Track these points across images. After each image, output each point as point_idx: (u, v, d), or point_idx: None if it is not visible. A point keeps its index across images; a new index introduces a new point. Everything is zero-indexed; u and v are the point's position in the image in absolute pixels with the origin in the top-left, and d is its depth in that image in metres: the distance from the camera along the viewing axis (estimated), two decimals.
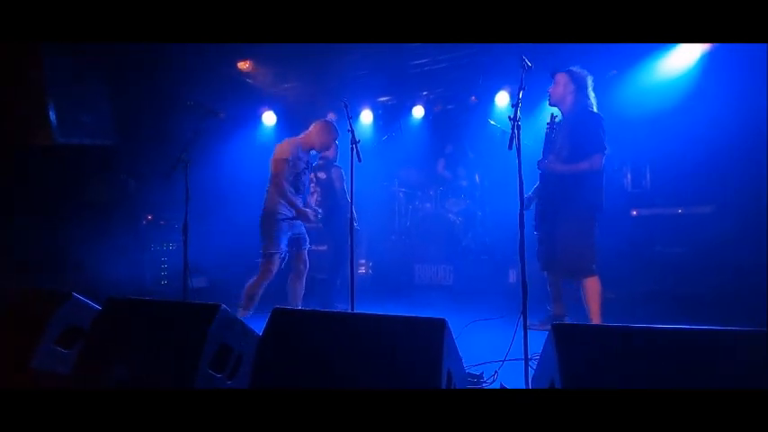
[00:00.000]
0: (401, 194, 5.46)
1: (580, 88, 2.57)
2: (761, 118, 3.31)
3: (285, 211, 3.03)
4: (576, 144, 2.48)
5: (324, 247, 4.65)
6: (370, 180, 5.67)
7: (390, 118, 6.04)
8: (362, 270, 5.01)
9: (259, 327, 1.54)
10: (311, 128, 3.21)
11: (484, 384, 1.94)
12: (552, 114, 2.66)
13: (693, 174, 3.74)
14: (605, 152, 2.49)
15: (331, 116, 4.68)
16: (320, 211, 3.36)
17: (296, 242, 3.16)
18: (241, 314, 2.94)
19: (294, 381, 1.30)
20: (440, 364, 1.17)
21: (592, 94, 2.62)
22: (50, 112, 3.04)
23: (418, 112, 5.87)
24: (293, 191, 3.04)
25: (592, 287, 2.49)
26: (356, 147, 2.50)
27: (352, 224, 2.56)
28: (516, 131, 1.85)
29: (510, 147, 1.81)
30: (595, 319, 2.48)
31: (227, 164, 5.20)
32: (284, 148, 2.99)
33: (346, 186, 4.03)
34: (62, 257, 3.67)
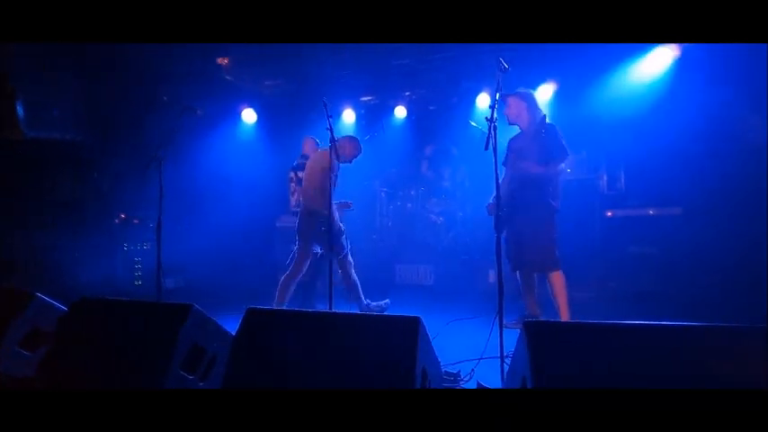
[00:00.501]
0: (383, 194, 5.46)
1: (531, 104, 2.82)
2: (728, 121, 3.46)
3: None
4: (541, 152, 2.71)
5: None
6: (351, 180, 5.66)
7: (373, 118, 6.04)
8: (341, 272, 4.98)
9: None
10: (341, 141, 3.29)
11: (461, 382, 1.96)
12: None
13: (665, 176, 3.87)
14: (568, 156, 2.76)
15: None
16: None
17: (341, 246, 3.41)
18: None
19: (267, 381, 1.28)
20: (414, 363, 1.17)
21: (540, 107, 2.87)
22: (18, 106, 2.91)
23: (401, 112, 5.88)
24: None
25: (558, 281, 2.69)
26: (335, 145, 2.49)
27: (331, 225, 2.53)
28: (493, 132, 1.87)
29: (486, 147, 1.84)
30: (563, 310, 2.64)
31: (204, 162, 5.10)
32: (325, 155, 3.06)
33: None
34: (31, 257, 3.53)
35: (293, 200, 4.24)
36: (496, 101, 1.93)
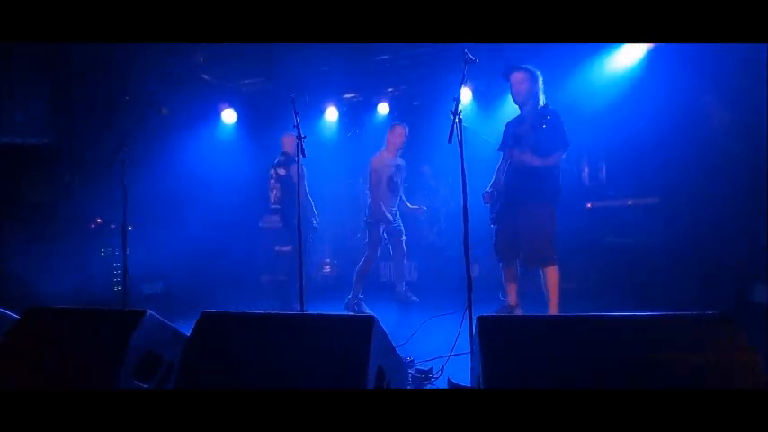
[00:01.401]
0: (366, 192, 5.41)
1: (539, 84, 2.63)
2: (700, 110, 3.47)
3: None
4: (542, 140, 2.53)
5: (288, 248, 4.56)
6: (334, 178, 5.60)
7: (356, 115, 5.98)
8: (327, 269, 4.94)
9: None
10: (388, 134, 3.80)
11: (432, 380, 1.93)
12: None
13: (643, 166, 3.89)
14: (569, 146, 2.60)
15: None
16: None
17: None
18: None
19: (218, 384, 1.23)
20: (366, 362, 1.14)
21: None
22: None
23: (383, 108, 5.83)
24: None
25: (553, 275, 2.59)
26: (301, 142, 2.44)
27: (299, 222, 2.48)
28: (458, 125, 1.84)
29: (450, 140, 1.80)
30: (554, 305, 2.56)
31: (184, 163, 5.00)
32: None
33: (307, 184, 3.95)
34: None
35: (272, 196, 4.18)
36: (460, 93, 1.89)
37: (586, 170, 4.65)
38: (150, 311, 1.51)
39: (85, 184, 3.85)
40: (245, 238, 5.26)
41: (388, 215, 3.65)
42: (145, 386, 1.47)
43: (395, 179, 3.67)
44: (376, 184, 3.64)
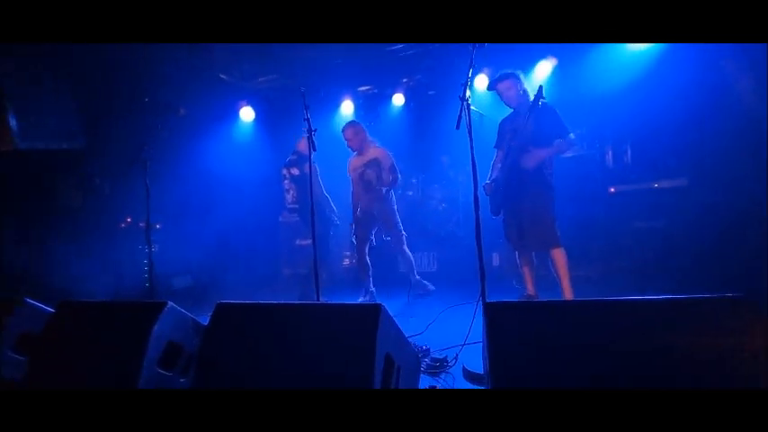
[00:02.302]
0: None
1: (521, 83, 2.82)
2: (728, 88, 3.27)
3: None
4: (543, 132, 2.66)
5: (308, 242, 4.63)
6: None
7: (371, 107, 5.98)
8: (347, 262, 4.99)
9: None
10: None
11: (447, 367, 1.94)
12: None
13: (670, 147, 3.71)
14: (569, 133, 2.73)
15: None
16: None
17: None
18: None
19: (234, 372, 1.28)
20: (373, 348, 1.15)
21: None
22: (10, 117, 2.98)
23: (398, 99, 5.80)
24: None
25: (560, 257, 2.67)
26: (312, 136, 2.47)
27: (312, 217, 2.52)
28: (467, 111, 1.81)
29: (457, 126, 1.78)
30: (566, 287, 2.63)
31: (206, 162, 5.15)
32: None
33: (321, 180, 3.98)
34: (39, 266, 3.64)
35: (289, 197, 4.25)
36: (469, 78, 1.86)
37: (610, 153, 4.49)
38: (171, 303, 1.57)
39: (114, 186, 4.02)
40: (267, 233, 5.38)
41: (358, 214, 3.74)
42: (169, 374, 1.54)
43: (365, 178, 3.64)
44: (352, 186, 3.78)
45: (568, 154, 4.46)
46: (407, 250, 3.79)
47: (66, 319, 1.70)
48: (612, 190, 3.93)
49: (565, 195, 3.93)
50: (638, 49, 3.83)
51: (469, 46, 1.93)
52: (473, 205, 1.85)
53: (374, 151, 3.68)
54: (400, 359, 1.33)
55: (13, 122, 2.98)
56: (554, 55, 4.74)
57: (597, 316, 1.03)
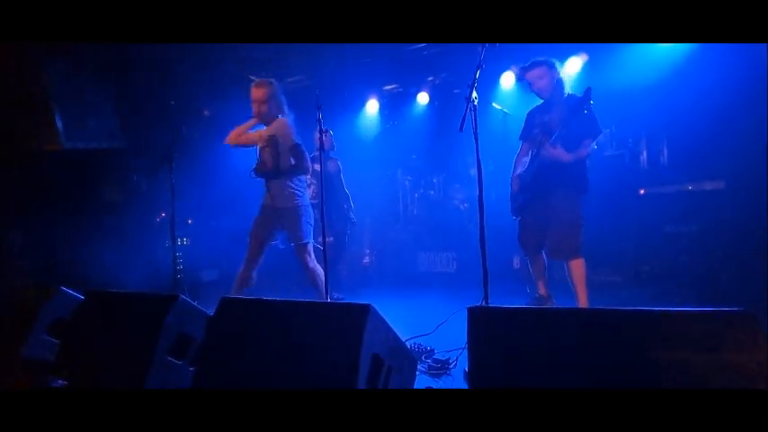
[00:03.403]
0: (406, 183, 5.44)
1: (558, 72, 2.58)
2: None
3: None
4: (573, 129, 2.46)
5: (329, 239, 4.73)
6: (374, 169, 5.68)
7: (396, 106, 6.00)
8: (366, 260, 5.05)
9: None
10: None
11: (449, 369, 1.94)
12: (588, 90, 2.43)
13: (707, 148, 3.49)
14: (600, 134, 2.55)
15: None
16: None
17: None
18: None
19: (232, 364, 1.36)
20: (359, 346, 1.18)
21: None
22: (57, 119, 3.24)
23: (423, 98, 5.79)
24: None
25: (579, 267, 2.49)
26: (321, 135, 2.52)
27: (322, 214, 2.58)
28: (473, 113, 1.80)
29: (461, 128, 1.77)
30: (583, 299, 2.47)
31: (236, 160, 5.35)
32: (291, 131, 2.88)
33: (343, 178, 4.06)
34: (80, 256, 3.93)
35: (310, 192, 4.35)
36: (476, 79, 1.84)
37: (645, 153, 4.27)
38: (182, 296, 1.68)
39: (150, 183, 4.28)
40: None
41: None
42: (179, 362, 1.65)
43: (261, 160, 2.92)
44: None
45: (608, 153, 4.30)
46: (315, 265, 2.97)
47: (92, 306, 1.85)
48: (643, 192, 3.74)
49: (591, 197, 3.79)
50: (672, 46, 3.62)
51: (479, 46, 1.91)
52: (477, 209, 1.83)
53: (275, 124, 2.81)
54: (391, 360, 1.36)
55: (59, 124, 3.24)
56: (585, 51, 4.56)
57: (579, 325, 1.01)
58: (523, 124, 2.79)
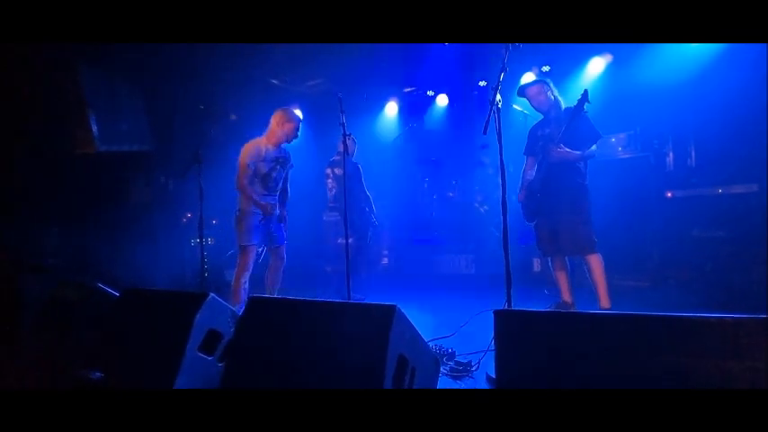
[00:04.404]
0: (425, 184, 5.45)
1: (552, 88, 2.79)
2: None
3: (254, 209, 3.00)
4: (573, 136, 2.62)
5: (343, 240, 4.78)
6: (393, 172, 5.71)
7: (415, 108, 6.02)
8: (385, 261, 5.08)
9: None
10: (271, 121, 3.10)
11: (471, 371, 1.95)
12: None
13: (738, 150, 3.37)
14: (601, 137, 2.72)
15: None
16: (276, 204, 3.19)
17: (269, 238, 3.18)
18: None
19: (260, 362, 1.40)
20: (385, 347, 1.21)
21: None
22: (92, 121, 3.40)
23: (442, 100, 5.79)
24: (261, 189, 3.03)
25: (596, 263, 2.60)
26: (345, 140, 2.57)
27: (345, 217, 2.62)
28: (497, 115, 1.80)
29: (485, 131, 1.78)
30: (603, 295, 2.55)
31: None
32: (244, 152, 2.97)
33: (364, 181, 4.10)
34: (112, 255, 4.09)
35: (331, 195, 4.41)
36: (500, 82, 1.85)
37: (671, 155, 4.16)
38: (212, 295, 1.74)
39: (177, 185, 4.42)
40: (313, 231, 5.62)
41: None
42: (209, 359, 1.71)
43: (272, 174, 3.07)
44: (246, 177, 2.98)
45: (624, 155, 4.24)
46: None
47: (127, 303, 1.94)
48: (670, 195, 3.64)
49: (617, 200, 3.72)
50: (700, 46, 3.52)
51: (502, 48, 1.92)
52: (501, 210, 1.84)
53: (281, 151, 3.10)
54: (415, 360, 1.38)
55: (94, 127, 3.40)
56: (609, 51, 4.49)
57: (603, 330, 1.01)
58: (527, 140, 2.98)
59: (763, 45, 3.01)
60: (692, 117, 3.72)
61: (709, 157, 3.68)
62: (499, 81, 1.86)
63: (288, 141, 3.12)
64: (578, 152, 2.64)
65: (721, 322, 0.93)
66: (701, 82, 3.45)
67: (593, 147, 2.68)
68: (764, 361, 0.88)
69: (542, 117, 2.87)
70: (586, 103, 2.49)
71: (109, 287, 2.22)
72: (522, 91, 2.86)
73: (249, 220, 2.99)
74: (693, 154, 4.00)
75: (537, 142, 2.85)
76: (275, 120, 3.06)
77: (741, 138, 3.24)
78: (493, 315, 1.14)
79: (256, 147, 3.01)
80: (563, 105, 2.77)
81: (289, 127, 3.04)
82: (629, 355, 1.00)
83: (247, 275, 3.03)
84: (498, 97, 1.84)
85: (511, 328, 1.09)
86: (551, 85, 2.81)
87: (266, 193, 3.06)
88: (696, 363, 0.92)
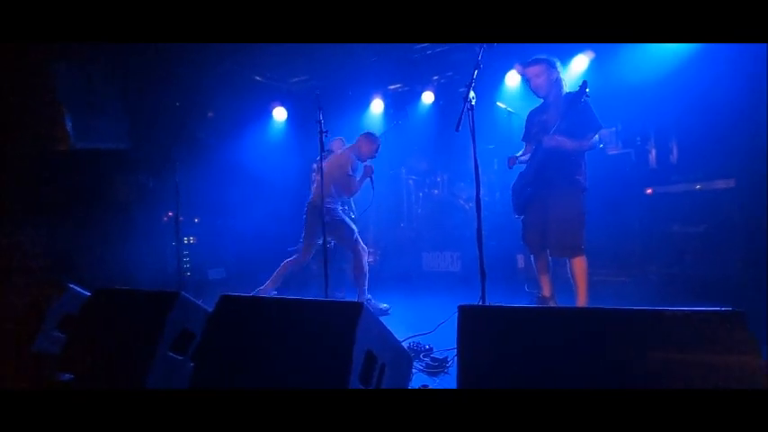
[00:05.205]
0: (410, 182, 5.45)
1: (557, 72, 2.60)
2: None
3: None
4: (572, 125, 2.46)
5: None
6: (378, 167, 5.70)
7: (401, 105, 6.01)
8: (370, 259, 5.07)
9: None
10: (359, 140, 3.53)
11: (446, 367, 1.95)
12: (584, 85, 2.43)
13: (717, 146, 3.43)
14: (601, 128, 2.53)
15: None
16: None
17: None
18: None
19: (228, 361, 1.39)
20: (351, 344, 1.20)
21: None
22: (67, 119, 3.32)
23: (428, 97, 5.78)
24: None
25: (581, 265, 2.50)
26: (321, 137, 2.55)
27: (322, 214, 2.61)
28: (470, 112, 1.80)
29: (457, 128, 1.77)
30: (581, 297, 2.47)
31: (243, 160, 5.42)
32: (347, 162, 3.37)
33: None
34: (91, 254, 4.02)
35: (314, 190, 4.38)
36: (473, 79, 1.85)
37: (653, 152, 4.22)
38: (184, 294, 1.72)
39: (157, 183, 4.36)
40: (298, 229, 5.58)
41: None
42: (180, 358, 1.68)
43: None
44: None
45: (607, 151, 4.27)
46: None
47: (99, 303, 1.90)
48: (650, 191, 3.69)
49: (597, 196, 3.75)
50: (681, 44, 3.56)
51: (476, 47, 1.91)
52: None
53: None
54: (385, 357, 1.37)
55: (69, 124, 3.32)
56: (592, 48, 4.52)
57: (568, 325, 1.02)
58: (524, 126, 2.83)
59: (738, 45, 3.05)
60: (673, 114, 3.77)
61: (690, 153, 3.74)
62: (473, 78, 1.86)
63: (364, 161, 3.55)
64: (575, 141, 2.45)
65: (696, 316, 0.94)
66: (681, 79, 3.50)
67: (595, 137, 2.50)
68: (741, 354, 0.89)
69: (541, 102, 2.69)
70: (585, 97, 2.34)
71: (85, 287, 2.18)
72: (523, 70, 2.70)
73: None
74: (675, 150, 4.07)
75: (533, 128, 2.71)
76: (365, 142, 3.50)
77: (719, 134, 3.30)
78: (458, 310, 1.13)
79: (351, 158, 3.42)
80: (564, 91, 2.58)
81: (374, 150, 3.52)
82: (594, 350, 1.00)
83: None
84: (472, 94, 1.83)
85: (476, 324, 1.09)
86: (558, 66, 2.59)
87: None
88: (672, 357, 0.93)
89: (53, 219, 3.36)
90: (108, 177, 4.13)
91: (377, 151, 3.54)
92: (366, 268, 3.35)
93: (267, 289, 3.40)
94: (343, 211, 3.57)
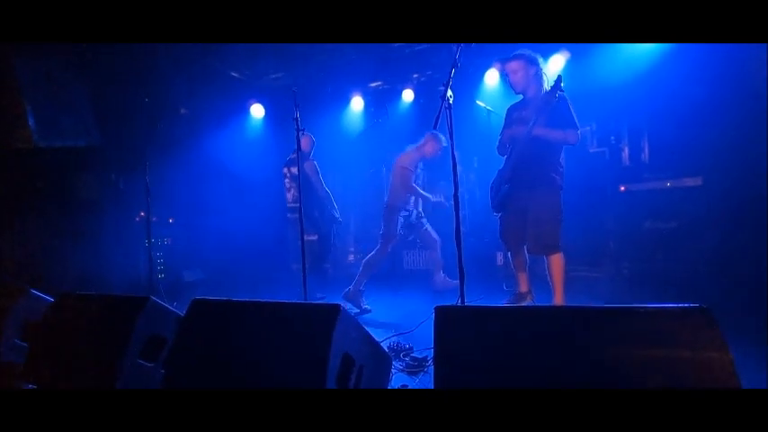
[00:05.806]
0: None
1: (539, 69, 2.59)
2: (753, 82, 3.09)
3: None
4: (549, 123, 2.47)
5: (313, 237, 4.71)
6: (358, 166, 5.67)
7: (381, 103, 5.98)
8: (351, 258, 5.04)
9: None
10: (424, 140, 3.69)
11: (426, 366, 1.95)
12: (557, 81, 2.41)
13: (686, 144, 3.55)
14: (578, 130, 2.52)
15: None
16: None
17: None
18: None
19: (201, 366, 1.34)
20: (328, 346, 1.18)
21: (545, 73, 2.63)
22: (29, 116, 3.16)
23: (408, 95, 5.78)
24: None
25: (558, 262, 2.52)
26: (298, 135, 2.51)
27: (301, 215, 2.57)
28: (448, 111, 1.80)
29: (435, 126, 1.77)
30: (558, 294, 2.50)
31: (219, 158, 5.29)
32: (408, 160, 3.60)
33: (322, 178, 4.02)
34: (58, 257, 3.84)
35: (290, 196, 4.32)
36: (451, 78, 1.84)
37: (626, 150, 4.34)
38: (153, 298, 1.65)
39: (128, 182, 4.20)
40: (276, 229, 5.50)
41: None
42: (150, 365, 1.62)
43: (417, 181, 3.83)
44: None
45: (590, 150, 4.35)
46: None
47: (63, 309, 1.81)
48: (623, 189, 3.79)
49: (573, 193, 3.83)
50: (654, 44, 3.67)
51: (454, 46, 1.91)
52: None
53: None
54: (363, 359, 1.35)
55: (31, 122, 3.15)
56: (567, 48, 4.61)
57: (542, 323, 1.02)
58: (503, 120, 2.82)
59: (702, 48, 3.16)
60: (646, 113, 3.88)
61: (661, 151, 3.86)
62: (450, 77, 1.85)
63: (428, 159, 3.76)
64: (556, 131, 2.43)
65: (664, 312, 0.96)
66: (653, 79, 3.60)
67: (576, 134, 2.46)
68: (708, 351, 0.91)
69: (521, 98, 2.68)
70: (559, 92, 2.34)
71: (53, 291, 2.07)
72: (502, 65, 2.68)
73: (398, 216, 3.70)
74: (647, 149, 4.19)
75: (512, 124, 2.68)
76: (431, 140, 3.67)
77: (689, 133, 3.41)
78: (434, 311, 1.13)
79: (415, 157, 3.67)
80: (544, 89, 2.55)
81: (438, 147, 3.67)
82: (563, 348, 1.01)
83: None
84: (450, 93, 1.83)
85: (452, 324, 1.08)
86: (540, 63, 2.57)
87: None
88: (641, 354, 0.95)
89: (16, 219, 3.19)
90: (75, 175, 3.95)
91: (440, 151, 3.68)
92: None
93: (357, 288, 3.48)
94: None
